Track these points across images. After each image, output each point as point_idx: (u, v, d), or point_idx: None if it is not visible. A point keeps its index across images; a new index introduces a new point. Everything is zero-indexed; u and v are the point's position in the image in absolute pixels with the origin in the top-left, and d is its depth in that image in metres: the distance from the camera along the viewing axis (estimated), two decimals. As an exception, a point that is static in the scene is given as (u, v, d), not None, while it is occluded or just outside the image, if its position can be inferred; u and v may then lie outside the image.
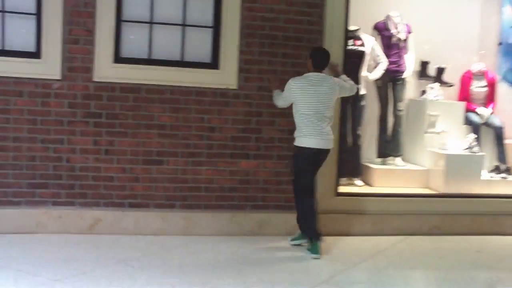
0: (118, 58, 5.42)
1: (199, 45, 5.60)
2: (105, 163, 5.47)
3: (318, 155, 4.95)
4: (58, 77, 5.35)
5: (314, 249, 4.97)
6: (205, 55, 5.60)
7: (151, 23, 5.54)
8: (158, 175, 5.55)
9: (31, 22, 5.33)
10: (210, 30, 5.61)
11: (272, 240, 5.41)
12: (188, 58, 5.59)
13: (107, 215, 5.29)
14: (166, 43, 5.58)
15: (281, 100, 5.06)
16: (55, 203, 5.46)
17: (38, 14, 5.32)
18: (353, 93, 5.22)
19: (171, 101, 5.45)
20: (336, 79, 5.05)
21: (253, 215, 5.61)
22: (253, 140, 5.69)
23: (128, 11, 5.48)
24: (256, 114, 5.67)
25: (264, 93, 5.63)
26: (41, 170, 5.42)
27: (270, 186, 5.74)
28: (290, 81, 4.94)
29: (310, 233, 5.02)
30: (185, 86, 5.48)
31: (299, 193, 5.03)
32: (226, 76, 5.55)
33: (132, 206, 5.48)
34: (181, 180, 5.61)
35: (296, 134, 4.97)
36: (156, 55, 5.53)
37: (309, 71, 4.99)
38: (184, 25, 5.57)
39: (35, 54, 5.35)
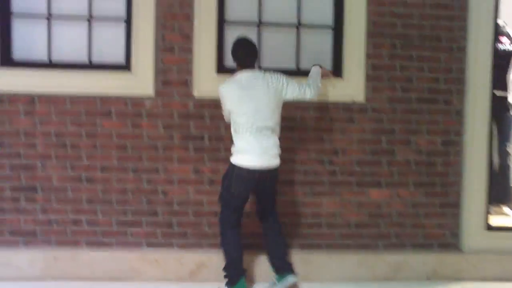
0: (222, 68, 4.86)
1: (317, 49, 4.96)
2: (209, 195, 4.85)
3: (261, 177, 4.13)
4: (150, 93, 4.81)
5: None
6: (324, 60, 4.96)
7: (259, 24, 4.94)
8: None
9: (119, 29, 4.86)
10: (330, 31, 4.97)
11: (409, 286, 4.74)
12: (304, 65, 4.93)
13: (212, 259, 4.65)
14: (277, 47, 4.97)
15: (225, 111, 4.29)
16: (150, 244, 4.87)
17: (128, 20, 4.82)
18: (309, 96, 4.36)
19: (285, 119, 4.81)
20: (277, 74, 4.26)
21: (386, 257, 4.88)
22: (384, 165, 4.97)
23: (231, 11, 4.92)
24: (388, 131, 4.96)
25: (396, 105, 4.93)
26: (133, 205, 4.86)
27: (406, 221, 4.99)
28: (220, 87, 4.23)
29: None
30: (301, 101, 4.86)
31: (227, 225, 4.29)
32: (351, 86, 4.87)
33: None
34: (298, 214, 4.93)
35: (232, 149, 4.23)
36: (266, 62, 4.96)
37: (237, 71, 4.22)
38: (299, 25, 4.95)
39: (125, 67, 4.84)
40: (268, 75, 4.18)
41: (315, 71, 4.35)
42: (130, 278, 4.76)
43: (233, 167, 4.14)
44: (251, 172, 4.08)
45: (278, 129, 4.21)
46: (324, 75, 4.44)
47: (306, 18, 4.97)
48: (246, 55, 4.16)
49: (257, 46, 4.27)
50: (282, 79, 4.18)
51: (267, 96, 4.11)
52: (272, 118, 4.14)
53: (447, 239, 5.03)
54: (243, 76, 4.15)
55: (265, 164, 4.10)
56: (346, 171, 4.93)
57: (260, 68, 4.35)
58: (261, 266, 4.72)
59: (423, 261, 4.91)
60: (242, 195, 4.20)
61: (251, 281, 4.72)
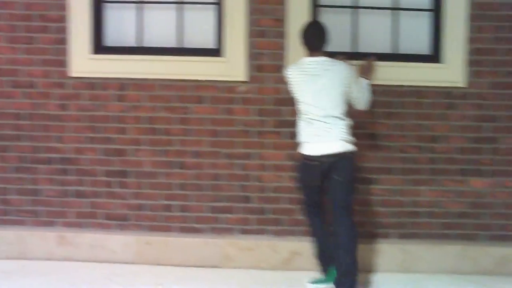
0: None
1: (414, 33, 4.79)
2: None
3: (322, 165, 3.98)
4: (243, 78, 4.75)
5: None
6: (422, 45, 4.77)
7: (353, 7, 4.80)
8: (368, 197, 4.82)
9: (211, 13, 4.82)
10: (428, 13, 4.79)
11: None
12: (403, 49, 4.79)
13: (306, 247, 4.56)
14: (372, 32, 4.83)
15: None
16: (243, 231, 4.84)
17: (219, 3, 4.77)
18: (361, 106, 4.24)
19: (384, 104, 4.71)
20: (349, 67, 4.07)
21: (491, 249, 4.68)
22: (487, 152, 4.80)
23: None
24: (490, 118, 4.78)
25: (500, 91, 4.72)
26: (226, 190, 4.84)
27: (511, 211, 4.78)
28: (285, 70, 4.19)
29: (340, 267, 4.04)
30: (399, 85, 4.71)
31: (307, 213, 4.26)
32: (451, 71, 4.68)
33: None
34: (396, 203, 4.82)
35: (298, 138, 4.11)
36: (362, 47, 4.83)
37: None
38: (396, 8, 4.79)
39: (217, 52, 4.80)
40: (335, 62, 4.00)
41: (366, 81, 4.24)
42: (222, 265, 4.76)
43: (300, 155, 4.10)
44: (311, 159, 4.00)
45: (345, 118, 4.06)
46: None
47: (404, 2, 4.79)
48: (310, 39, 4.00)
49: (325, 31, 4.02)
50: (351, 73, 4.03)
51: (330, 84, 3.93)
52: (335, 108, 3.97)
53: None
54: (307, 61, 4.01)
55: (323, 151, 3.96)
56: (447, 159, 4.77)
57: (332, 55, 4.11)
58: (380, 255, 4.64)
59: (532, 254, 4.63)
60: (308, 184, 4.11)
61: (368, 270, 4.64)
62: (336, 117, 3.95)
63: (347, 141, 3.99)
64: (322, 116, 3.93)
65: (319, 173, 3.99)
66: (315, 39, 3.99)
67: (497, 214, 4.80)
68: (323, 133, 3.94)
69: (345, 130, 3.98)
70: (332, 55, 4.15)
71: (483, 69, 4.72)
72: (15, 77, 4.78)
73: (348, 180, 3.96)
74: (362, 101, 4.13)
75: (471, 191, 4.78)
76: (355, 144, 4.05)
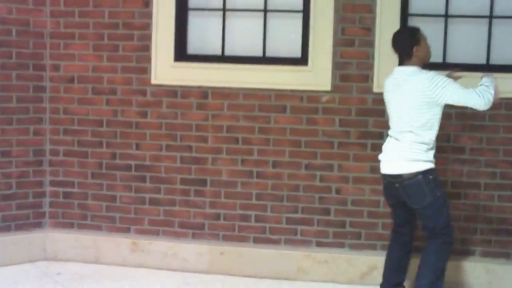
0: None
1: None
2: None
3: (389, 184, 3.86)
4: (328, 88, 4.71)
5: None
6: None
7: (441, 16, 4.72)
8: (454, 211, 4.66)
9: (296, 21, 4.81)
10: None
11: None
12: (496, 59, 4.66)
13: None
14: (466, 41, 4.74)
15: None
16: (320, 244, 4.75)
17: (304, 11, 4.74)
18: (479, 106, 3.75)
19: (470, 117, 4.57)
20: (436, 75, 3.73)
21: None
22: None
23: (416, 2, 4.71)
24: None
25: None
26: (304, 202, 4.76)
27: None
28: None
29: None
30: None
31: (391, 230, 4.20)
32: None
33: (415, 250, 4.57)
34: (483, 219, 4.64)
35: None
36: (452, 58, 4.73)
37: None
38: (490, 16, 4.66)
39: (301, 61, 4.77)
40: (422, 74, 3.71)
41: (487, 80, 3.80)
42: (297, 278, 4.69)
43: None
44: (383, 178, 3.94)
45: (423, 134, 3.74)
46: (497, 91, 3.77)
47: (499, 8, 4.64)
48: (396, 46, 3.89)
49: (414, 37, 3.82)
50: (438, 80, 3.65)
51: (409, 95, 3.70)
52: (412, 122, 3.71)
53: None
54: (395, 70, 3.88)
55: (387, 171, 3.85)
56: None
57: (423, 66, 3.86)
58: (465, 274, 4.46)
59: None
60: (387, 200, 4.09)
61: None
62: (410, 131, 3.69)
63: (414, 161, 3.69)
64: (396, 131, 3.78)
65: (389, 193, 3.91)
66: (401, 46, 3.84)
67: None
68: (388, 151, 3.81)
69: (415, 148, 3.69)
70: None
71: None
72: (98, 84, 4.86)
73: (424, 206, 3.73)
74: (477, 99, 3.71)
75: None
76: (433, 161, 3.77)
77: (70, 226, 4.97)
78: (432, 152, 3.76)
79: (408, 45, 3.77)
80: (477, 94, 3.64)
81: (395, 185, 3.78)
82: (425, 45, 3.81)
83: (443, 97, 3.65)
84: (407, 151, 3.70)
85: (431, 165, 3.72)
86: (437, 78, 3.63)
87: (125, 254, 4.84)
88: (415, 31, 3.82)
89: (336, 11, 4.62)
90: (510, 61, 4.62)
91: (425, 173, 3.68)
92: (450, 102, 3.69)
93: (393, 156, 3.75)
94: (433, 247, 3.76)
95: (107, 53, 4.89)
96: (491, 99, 3.67)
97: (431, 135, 3.71)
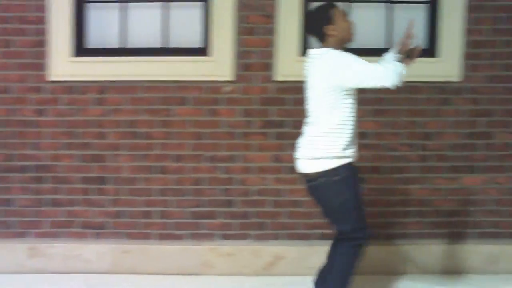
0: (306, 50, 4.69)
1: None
2: (289, 184, 4.61)
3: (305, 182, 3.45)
4: (229, 77, 4.67)
5: None
6: (418, 37, 4.76)
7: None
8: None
9: (197, 11, 4.76)
10: (424, 5, 4.74)
11: (507, 279, 4.48)
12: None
13: (290, 251, 4.49)
14: (367, 26, 4.82)
15: None
16: (225, 236, 4.68)
17: (206, 0, 4.67)
18: (386, 83, 3.21)
19: (375, 101, 4.62)
20: (340, 54, 3.26)
21: (481, 247, 4.59)
22: (481, 148, 4.68)
23: None
24: (485, 113, 4.65)
25: (497, 84, 4.62)
26: (208, 195, 4.67)
27: (503, 208, 4.68)
28: None
29: None
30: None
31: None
32: (447, 65, 4.59)
33: (324, 237, 4.52)
34: (385, 202, 4.69)
35: None
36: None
37: None
38: (389, 1, 4.73)
39: (203, 51, 4.71)
40: (327, 54, 3.28)
41: (389, 56, 3.30)
42: (202, 272, 4.60)
43: None
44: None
45: (323, 124, 3.29)
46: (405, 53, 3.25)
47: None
48: (306, 30, 3.53)
49: (320, 16, 3.35)
50: (339, 60, 3.21)
51: (314, 82, 3.31)
52: (315, 111, 3.33)
53: None
54: (308, 54, 3.46)
55: (298, 168, 3.47)
56: (439, 156, 4.67)
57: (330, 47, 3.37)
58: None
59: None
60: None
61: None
62: (314, 122, 3.32)
63: (314, 158, 3.28)
64: (308, 123, 3.41)
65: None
66: (311, 28, 3.42)
67: (489, 211, 4.73)
68: (297, 146, 3.45)
69: (316, 143, 3.27)
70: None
71: (480, 62, 4.64)
72: (-11, 82, 4.59)
73: (328, 210, 3.37)
74: (377, 79, 3.19)
75: (462, 189, 4.70)
76: (341, 158, 3.29)
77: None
78: (339, 146, 3.25)
79: (319, 26, 3.30)
80: (383, 72, 3.15)
81: (305, 185, 3.42)
82: (343, 22, 3.28)
83: (344, 80, 3.19)
84: (308, 147, 3.32)
85: (337, 163, 3.24)
86: (340, 58, 3.19)
87: (23, 260, 4.55)
88: (326, 8, 3.30)
89: (237, -2, 4.53)
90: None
91: (328, 173, 3.24)
92: (352, 85, 3.22)
93: (298, 153, 3.41)
94: (342, 250, 3.37)
95: None
96: (399, 71, 3.19)
97: (334, 123, 3.23)
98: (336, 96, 3.21)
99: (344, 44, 3.32)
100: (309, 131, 3.35)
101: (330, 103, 3.22)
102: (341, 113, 3.23)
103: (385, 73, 3.13)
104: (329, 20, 3.27)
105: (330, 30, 3.27)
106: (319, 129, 3.27)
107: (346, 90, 3.22)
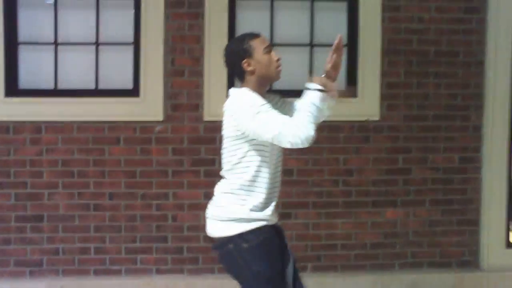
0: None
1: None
2: None
3: None
4: (160, 117, 4.96)
5: None
6: (339, 80, 5.09)
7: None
8: (285, 232, 5.04)
9: (127, 53, 5.00)
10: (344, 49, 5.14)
11: None
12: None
13: (224, 284, 4.66)
14: (290, 67, 5.14)
15: None
16: (159, 271, 4.95)
17: (135, 43, 4.94)
18: (293, 141, 2.71)
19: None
20: (254, 97, 2.80)
21: (403, 276, 4.96)
22: (400, 184, 5.05)
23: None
24: (404, 150, 5.05)
25: (412, 123, 4.99)
26: (142, 231, 4.93)
27: (422, 239, 5.06)
28: None
29: None
30: None
31: None
32: (366, 105, 4.92)
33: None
34: (312, 236, 5.04)
35: None
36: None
37: None
38: (312, 45, 5.08)
39: (133, 92, 5.00)
40: (234, 97, 2.87)
41: (308, 98, 2.76)
42: None
43: None
44: None
45: (231, 179, 2.90)
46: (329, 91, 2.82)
47: (316, 37, 5.07)
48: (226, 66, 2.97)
49: (235, 49, 2.91)
50: (244, 107, 2.75)
51: (225, 130, 2.91)
52: (225, 162, 2.93)
53: (466, 257, 5.12)
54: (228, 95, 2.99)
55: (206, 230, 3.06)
56: (361, 191, 4.99)
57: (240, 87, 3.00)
58: None
59: (442, 279, 4.98)
60: None
61: None
62: (223, 176, 2.93)
63: (221, 220, 2.88)
64: (221, 175, 2.97)
65: None
66: (228, 65, 2.96)
67: (409, 242, 5.10)
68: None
69: (223, 201, 2.87)
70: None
71: (396, 102, 5.01)
72: None
73: (241, 283, 2.91)
74: (282, 137, 2.69)
75: (385, 222, 5.06)
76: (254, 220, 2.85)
77: None
78: (248, 207, 2.81)
79: (234, 60, 2.83)
80: (294, 129, 2.66)
81: None
82: (262, 55, 2.79)
83: (247, 130, 2.74)
84: (214, 205, 2.91)
85: (245, 227, 2.79)
86: (246, 103, 2.70)
87: None
88: (243, 39, 2.83)
89: (166, 42, 4.83)
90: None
91: (237, 239, 2.79)
92: (257, 138, 2.76)
93: (207, 211, 2.98)
94: None
95: None
96: (311, 133, 2.68)
97: (242, 179, 2.81)
98: (245, 146, 2.76)
99: (266, 83, 2.87)
100: (218, 186, 2.91)
101: (239, 154, 2.78)
102: (253, 167, 2.77)
103: (295, 129, 2.65)
104: (245, 53, 2.78)
105: (246, 65, 2.78)
106: (227, 184, 2.84)
107: (257, 141, 2.74)
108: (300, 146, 2.66)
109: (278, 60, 2.81)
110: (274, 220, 2.92)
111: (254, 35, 2.83)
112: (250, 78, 2.83)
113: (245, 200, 2.81)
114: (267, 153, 2.80)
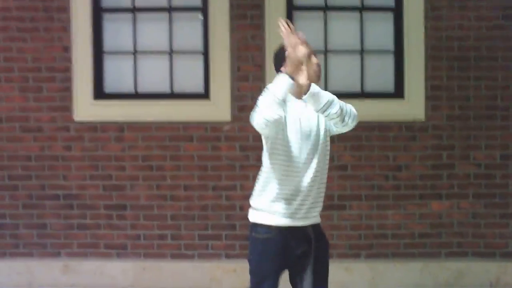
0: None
1: (380, 72, 5.70)
2: None
3: None
4: (228, 118, 5.72)
5: None
6: (387, 83, 5.73)
7: (325, 51, 5.77)
8: (341, 222, 5.77)
9: (198, 61, 5.76)
10: (391, 55, 5.78)
11: None
12: (369, 88, 5.70)
13: None
14: (342, 72, 5.78)
15: None
16: (228, 256, 5.65)
17: (205, 52, 5.69)
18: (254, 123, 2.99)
19: (352, 138, 5.63)
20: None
21: (449, 264, 5.50)
22: (445, 178, 5.63)
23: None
24: (448, 147, 5.61)
25: (455, 122, 5.60)
26: (213, 219, 5.63)
27: (466, 230, 5.59)
28: None
29: None
30: (366, 121, 5.57)
31: None
32: (412, 106, 5.56)
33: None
34: (365, 226, 5.70)
35: None
36: (333, 86, 5.70)
37: None
38: (362, 51, 5.71)
39: (204, 96, 5.83)
40: None
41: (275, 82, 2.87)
42: (211, 286, 5.54)
43: None
44: None
45: (262, 169, 3.19)
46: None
47: (367, 44, 5.75)
48: None
49: (275, 57, 3.22)
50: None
51: None
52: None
53: (509, 248, 5.58)
54: None
55: None
56: (410, 185, 5.58)
57: None
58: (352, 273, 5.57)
59: (486, 268, 5.49)
60: None
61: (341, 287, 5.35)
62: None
63: (252, 208, 3.13)
64: None
65: None
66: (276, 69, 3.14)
67: (454, 233, 5.63)
68: None
69: (255, 191, 3.13)
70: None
71: (440, 103, 5.60)
72: (25, 122, 5.72)
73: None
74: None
75: (431, 213, 5.62)
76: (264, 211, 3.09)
77: (2, 255, 5.74)
78: (266, 199, 3.01)
79: (277, 66, 3.07)
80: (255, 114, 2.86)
81: None
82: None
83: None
84: (253, 194, 3.16)
85: (257, 218, 3.06)
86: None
87: (58, 276, 5.65)
88: (280, 48, 3.07)
89: (232, 51, 5.64)
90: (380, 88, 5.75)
91: (252, 225, 3.09)
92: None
93: None
94: None
95: (33, 94, 5.71)
96: (260, 118, 2.86)
97: (262, 171, 3.08)
98: (267, 141, 3.04)
99: (301, 86, 2.92)
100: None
101: (266, 150, 3.07)
102: (269, 160, 3.03)
103: (255, 111, 2.87)
104: (280, 60, 3.06)
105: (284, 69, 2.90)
106: (260, 175, 3.05)
107: (277, 137, 2.98)
108: (258, 128, 2.90)
109: (316, 64, 3.05)
110: (292, 222, 3.00)
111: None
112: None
113: (261, 191, 3.05)
114: (280, 146, 2.97)
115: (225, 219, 5.61)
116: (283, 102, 2.78)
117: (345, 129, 3.04)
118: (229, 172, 5.60)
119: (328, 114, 2.89)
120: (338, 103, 2.90)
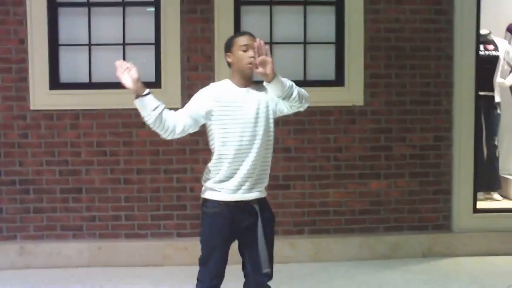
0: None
1: (322, 62, 6.05)
2: None
3: None
4: (178, 105, 5.65)
5: None
6: (328, 72, 6.16)
7: (271, 43, 6.02)
8: (285, 200, 6.17)
9: (151, 52, 6.06)
10: (333, 46, 6.18)
11: (407, 262, 5.68)
12: (311, 76, 6.05)
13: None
14: (287, 62, 6.12)
15: None
16: (180, 234, 5.99)
17: (157, 44, 5.98)
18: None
19: (296, 122, 6.02)
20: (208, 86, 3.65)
21: (386, 238, 5.90)
22: (383, 159, 6.05)
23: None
24: (385, 130, 6.03)
25: (392, 107, 6.02)
26: (165, 201, 5.91)
27: (403, 206, 6.05)
28: None
29: None
30: (309, 107, 6.02)
31: None
32: (352, 93, 5.94)
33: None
34: (308, 204, 6.08)
35: None
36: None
37: None
38: (305, 43, 6.10)
39: (156, 84, 6.03)
40: None
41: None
42: (164, 263, 5.86)
43: None
44: None
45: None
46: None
47: (312, 36, 6.15)
48: None
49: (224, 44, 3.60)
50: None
51: None
52: None
53: (439, 221, 6.10)
54: None
55: None
56: (350, 165, 5.99)
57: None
58: (295, 248, 5.60)
59: (419, 240, 5.96)
60: None
61: (285, 262, 5.68)
62: None
63: (203, 186, 3.51)
64: None
65: None
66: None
67: (392, 209, 6.09)
68: None
69: (205, 171, 3.51)
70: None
71: (378, 90, 6.01)
72: (-19, 111, 5.67)
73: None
74: None
75: (370, 192, 6.03)
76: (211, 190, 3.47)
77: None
78: (214, 177, 3.40)
79: (224, 53, 3.40)
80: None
81: None
82: (239, 50, 3.30)
83: None
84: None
85: (206, 194, 3.44)
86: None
87: (13, 258, 5.87)
88: (231, 36, 3.46)
89: (182, 43, 5.92)
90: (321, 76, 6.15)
91: (202, 201, 3.49)
92: None
93: None
94: None
95: (-14, 85, 5.69)
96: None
97: (213, 154, 3.45)
98: (207, 128, 3.45)
99: (243, 75, 3.34)
100: None
101: (208, 133, 3.48)
102: (217, 142, 3.37)
103: None
104: (228, 47, 3.38)
105: (227, 57, 3.38)
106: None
107: (213, 124, 3.40)
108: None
109: (250, 57, 3.23)
110: (237, 197, 3.35)
111: (240, 34, 3.41)
112: (231, 69, 3.41)
113: (209, 171, 3.42)
114: (220, 132, 3.39)
115: (176, 200, 5.89)
116: (154, 112, 3.46)
117: (300, 109, 3.40)
118: (180, 156, 5.88)
119: (292, 97, 3.24)
120: (296, 87, 3.29)
